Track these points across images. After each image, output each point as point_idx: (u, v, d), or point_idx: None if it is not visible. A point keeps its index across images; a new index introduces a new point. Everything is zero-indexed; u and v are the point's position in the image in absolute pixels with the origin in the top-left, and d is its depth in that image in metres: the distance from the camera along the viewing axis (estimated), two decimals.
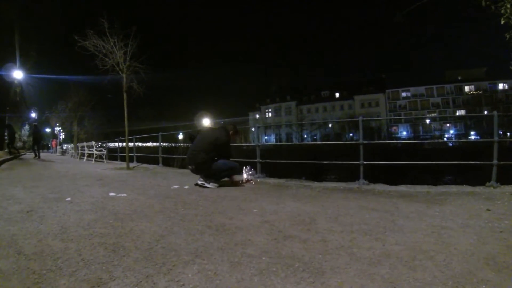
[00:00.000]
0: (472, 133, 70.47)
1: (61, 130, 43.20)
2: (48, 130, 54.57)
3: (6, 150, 28.40)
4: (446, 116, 76.13)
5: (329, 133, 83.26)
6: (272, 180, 7.78)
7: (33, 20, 28.96)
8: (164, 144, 14.86)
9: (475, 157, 7.62)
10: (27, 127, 53.27)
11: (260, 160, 8.96)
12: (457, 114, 74.69)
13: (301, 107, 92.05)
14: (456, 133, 74.43)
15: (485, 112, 65.46)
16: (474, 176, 7.09)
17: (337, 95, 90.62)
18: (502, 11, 7.01)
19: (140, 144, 25.34)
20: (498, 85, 70.85)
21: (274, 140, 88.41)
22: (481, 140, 53.76)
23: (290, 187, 7.01)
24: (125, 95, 12.24)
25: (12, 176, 9.86)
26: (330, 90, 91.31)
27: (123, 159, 15.56)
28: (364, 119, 7.94)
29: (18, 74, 26.22)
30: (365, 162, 7.44)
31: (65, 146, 39.50)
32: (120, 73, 11.98)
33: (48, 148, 54.36)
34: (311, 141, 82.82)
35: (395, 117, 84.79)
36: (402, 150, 37.08)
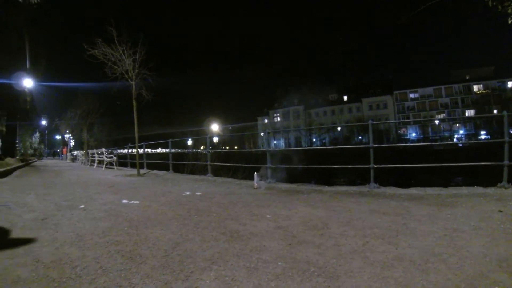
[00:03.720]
0: (482, 132, 69.66)
1: (71, 137, 43.54)
2: (58, 137, 55.23)
3: (18, 157, 28.79)
4: (455, 118, 75.27)
5: (338, 136, 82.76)
6: (283, 185, 7.80)
7: (42, 28, 29.34)
8: (174, 150, 14.90)
9: (486, 157, 7.55)
10: (37, 134, 53.90)
11: (271, 166, 8.95)
12: (466, 114, 73.94)
13: (309, 111, 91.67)
14: (466, 133, 73.61)
15: (495, 111, 64.72)
16: (486, 176, 7.02)
17: (345, 98, 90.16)
18: (509, 11, 6.94)
19: (149, 150, 25.37)
20: (507, 83, 70.03)
21: (283, 144, 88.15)
22: (491, 140, 53.15)
23: (301, 192, 7.02)
24: (134, 102, 12.34)
25: (24, 183, 10.00)
26: (337, 93, 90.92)
27: (133, 165, 15.64)
28: (374, 122, 7.94)
29: (28, 83, 26.50)
30: (375, 166, 7.43)
31: (75, 153, 39.77)
32: (129, 80, 12.07)
33: (58, 155, 54.88)
34: (320, 145, 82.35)
35: (404, 120, 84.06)
36: (412, 152, 36.77)
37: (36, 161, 34.00)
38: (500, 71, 72.44)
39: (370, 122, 7.77)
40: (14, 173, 14.46)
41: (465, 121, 74.24)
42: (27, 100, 35.22)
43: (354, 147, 8.84)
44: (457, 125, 75.07)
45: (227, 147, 79.43)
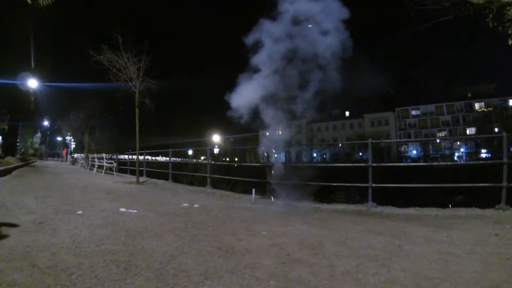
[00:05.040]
0: (483, 151, 69.17)
1: (72, 140, 43.56)
2: (59, 138, 55.28)
3: (18, 156, 28.82)
4: (456, 138, 74.95)
5: (339, 152, 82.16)
6: (282, 201, 7.80)
7: (49, 29, 29.51)
8: (174, 158, 14.89)
9: (486, 176, 7.54)
10: (39, 134, 54.04)
11: (271, 181, 8.87)
12: (468, 131, 73.75)
13: (311, 125, 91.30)
14: (466, 151, 73.16)
15: (496, 129, 64.68)
16: (486, 195, 6.97)
17: (347, 113, 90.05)
18: (510, 32, 7.08)
19: (149, 158, 25.38)
20: (509, 101, 69.82)
21: (283, 158, 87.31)
22: (490, 162, 52.85)
23: (299, 209, 7.01)
24: (137, 110, 12.37)
25: (24, 184, 10.05)
26: (340, 108, 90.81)
27: (133, 172, 15.60)
28: (374, 141, 7.97)
29: (33, 83, 26.59)
30: (374, 185, 7.44)
31: (75, 155, 39.75)
32: (133, 88, 12.12)
33: (59, 156, 54.83)
34: (321, 160, 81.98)
35: (403, 140, 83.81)
36: (412, 169, 36.63)
37: (36, 161, 34.01)
38: (501, 89, 72.23)
39: (369, 140, 7.82)
40: (14, 172, 14.50)
41: (466, 139, 73.95)
42: (31, 100, 35.33)
43: (354, 165, 8.85)
44: (458, 143, 74.75)
45: (228, 158, 79.05)
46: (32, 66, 28.38)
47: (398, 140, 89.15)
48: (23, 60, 27.12)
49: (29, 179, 11.84)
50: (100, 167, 19.29)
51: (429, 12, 8.73)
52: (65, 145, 47.26)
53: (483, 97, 73.79)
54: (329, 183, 8.66)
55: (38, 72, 28.44)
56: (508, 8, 6.99)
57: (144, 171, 15.17)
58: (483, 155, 67.43)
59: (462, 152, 73.82)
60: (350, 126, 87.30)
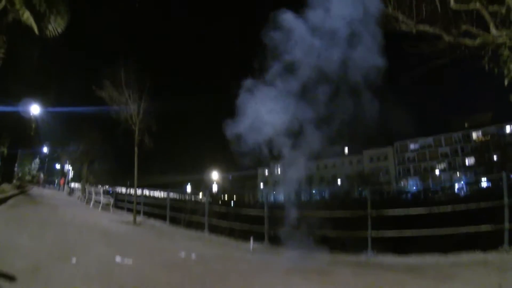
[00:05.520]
0: (483, 179, 68.05)
1: (71, 169, 43.33)
2: (58, 166, 54.82)
3: (14, 182, 28.63)
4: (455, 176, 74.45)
5: (338, 190, 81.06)
6: (280, 250, 7.66)
7: (54, 58, 29.98)
8: (172, 193, 14.77)
9: (488, 212, 7.44)
10: (37, 160, 53.76)
11: (268, 229, 8.76)
12: (467, 162, 73.29)
13: (310, 164, 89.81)
14: (467, 181, 72.06)
15: (495, 157, 64.76)
16: (488, 235, 6.85)
17: (345, 150, 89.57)
18: (505, 72, 7.24)
19: (147, 192, 25.25)
20: (506, 128, 69.75)
21: (282, 197, 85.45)
22: (490, 204, 52.29)
23: (297, 259, 6.88)
24: (136, 149, 12.38)
25: (19, 217, 9.94)
26: (339, 144, 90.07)
27: (130, 209, 15.37)
28: (373, 188, 7.96)
29: (35, 109, 26.72)
30: (373, 235, 7.36)
31: (72, 184, 39.43)
32: (133, 126, 12.18)
33: (55, 183, 54.13)
34: (320, 198, 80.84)
35: (403, 177, 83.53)
36: (413, 204, 36.36)
37: (33, 188, 33.67)
38: (497, 116, 72.35)
39: (368, 190, 7.82)
40: (9, 202, 14.29)
41: (466, 169, 73.55)
42: (32, 126, 35.48)
43: (353, 212, 8.80)
44: (458, 174, 74.16)
45: (226, 196, 78.43)
46: (36, 92, 28.66)
47: (399, 186, 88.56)
48: (28, 86, 27.41)
49: (25, 211, 11.71)
50: (97, 201, 19.01)
51: (427, 55, 9.05)
52: (63, 173, 46.95)
53: (480, 126, 73.97)
54: (329, 230, 8.52)
55: (41, 98, 28.69)
56: (503, 48, 7.18)
57: (142, 209, 14.94)
58: (484, 184, 66.60)
59: (462, 184, 72.85)
60: (349, 163, 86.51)
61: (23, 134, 32.31)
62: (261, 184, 78.74)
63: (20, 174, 42.34)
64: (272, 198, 71.26)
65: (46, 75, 30.32)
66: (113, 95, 12.06)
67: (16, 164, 36.76)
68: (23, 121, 29.41)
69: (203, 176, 62.54)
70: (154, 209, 14.90)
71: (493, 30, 7.35)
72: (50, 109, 32.14)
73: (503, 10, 7.17)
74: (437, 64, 9.54)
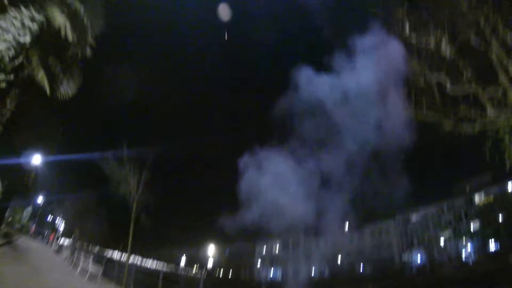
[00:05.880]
0: (491, 240, 65.54)
1: (63, 223, 42.71)
2: (49, 219, 53.38)
3: (2, 228, 27.68)
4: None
5: (337, 267, 77.87)
6: None
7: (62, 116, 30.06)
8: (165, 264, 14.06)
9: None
10: (30, 209, 52.41)
11: None
12: (471, 226, 71.78)
13: (309, 241, 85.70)
14: (473, 246, 69.80)
15: (500, 217, 63.52)
16: None
17: (346, 226, 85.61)
18: (506, 156, 7.43)
19: (139, 261, 24.44)
20: (507, 186, 68.48)
21: (280, 275, 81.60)
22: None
23: None
24: (132, 225, 12.11)
25: None
26: (339, 221, 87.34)
27: (119, 280, 14.50)
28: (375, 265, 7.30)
29: (37, 159, 26.34)
30: None
31: (62, 240, 38.42)
32: (131, 202, 12.06)
33: (44, 236, 52.08)
34: (319, 277, 77.65)
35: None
36: (418, 279, 35.19)
37: (20, 238, 32.63)
38: (497, 176, 71.56)
39: None
40: None
41: (471, 235, 71.94)
42: (31, 176, 35.05)
43: None
44: (464, 240, 72.36)
45: (222, 270, 76.50)
46: (38, 144, 28.41)
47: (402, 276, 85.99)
48: (35, 137, 27.17)
49: (2, 270, 11.19)
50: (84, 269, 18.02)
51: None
52: (54, 228, 45.85)
53: (481, 188, 73.09)
54: None
55: (44, 148, 28.46)
56: (503, 133, 7.38)
57: (132, 284, 14.01)
58: (492, 248, 64.66)
59: (469, 252, 70.67)
60: (349, 240, 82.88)
61: (19, 182, 31.77)
62: (259, 261, 76.57)
63: (10, 219, 41.30)
64: (270, 275, 69.72)
65: (54, 126, 30.24)
66: (114, 170, 12.11)
67: (7, 212, 35.83)
68: (22, 170, 28.98)
69: (198, 250, 63.24)
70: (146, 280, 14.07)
71: (491, 111, 7.56)
72: (52, 157, 31.89)
73: (499, 93, 7.44)
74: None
